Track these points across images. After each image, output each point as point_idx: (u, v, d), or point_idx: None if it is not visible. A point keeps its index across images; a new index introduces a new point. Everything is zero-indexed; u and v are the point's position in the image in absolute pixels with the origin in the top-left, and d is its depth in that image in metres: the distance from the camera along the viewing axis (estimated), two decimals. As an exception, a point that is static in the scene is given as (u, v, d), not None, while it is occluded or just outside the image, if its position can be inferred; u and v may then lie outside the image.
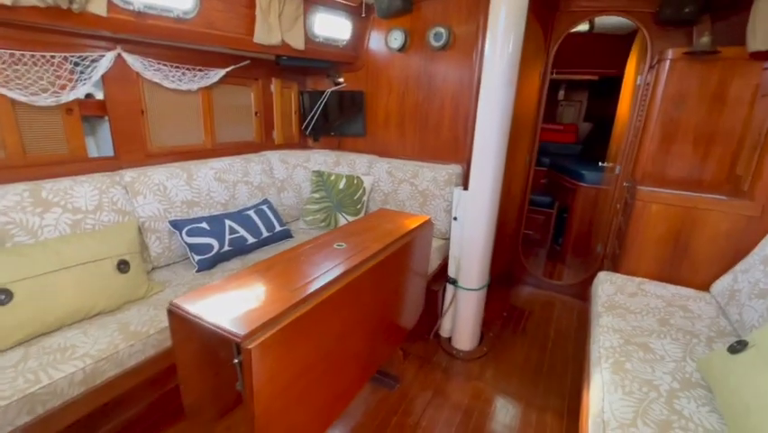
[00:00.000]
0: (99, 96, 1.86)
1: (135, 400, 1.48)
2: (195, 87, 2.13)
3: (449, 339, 2.30)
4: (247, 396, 0.93)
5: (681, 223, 1.88)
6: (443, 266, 2.30)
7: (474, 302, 2.14)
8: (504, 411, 1.81)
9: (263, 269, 1.21)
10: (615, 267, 2.15)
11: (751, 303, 1.45)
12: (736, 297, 1.56)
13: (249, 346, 0.87)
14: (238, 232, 1.99)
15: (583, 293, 2.87)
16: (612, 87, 3.48)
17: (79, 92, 1.68)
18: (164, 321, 1.44)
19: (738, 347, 1.11)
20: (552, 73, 2.74)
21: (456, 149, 2.49)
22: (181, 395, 1.13)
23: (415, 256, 1.71)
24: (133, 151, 1.94)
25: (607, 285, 1.89)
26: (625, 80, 2.94)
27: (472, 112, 2.38)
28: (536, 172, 3.43)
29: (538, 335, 2.43)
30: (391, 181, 2.52)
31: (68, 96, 1.64)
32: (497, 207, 2.03)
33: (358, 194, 2.49)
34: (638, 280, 1.93)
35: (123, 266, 1.51)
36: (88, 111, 1.79)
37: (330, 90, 2.74)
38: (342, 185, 2.50)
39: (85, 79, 1.68)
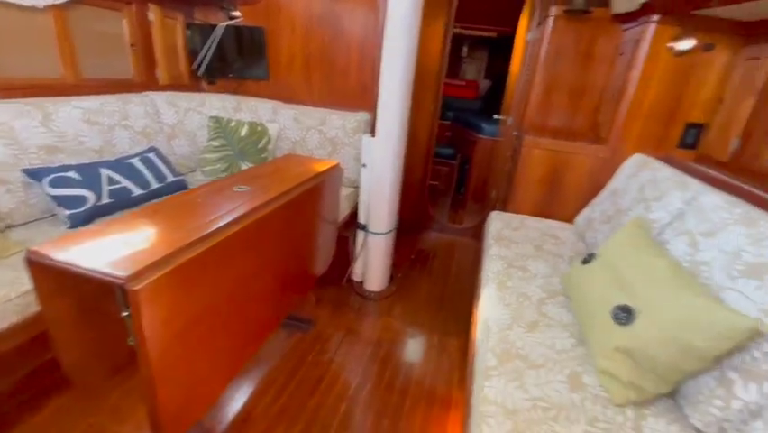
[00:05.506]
0: None
1: (4, 372, 1.27)
2: (41, 3, 1.71)
3: (361, 283, 2.40)
4: (139, 344, 0.86)
5: (555, 166, 2.18)
6: (353, 214, 2.34)
7: (383, 245, 2.24)
8: (410, 339, 1.99)
9: (150, 213, 1.09)
10: (504, 207, 2.42)
11: (600, 227, 1.77)
12: (592, 224, 1.89)
13: (135, 288, 0.80)
14: (120, 183, 1.75)
15: (480, 234, 3.20)
16: (509, 45, 3.72)
17: None
18: (28, 283, 1.23)
19: (588, 259, 1.37)
20: (455, 26, 2.82)
21: (364, 96, 2.46)
22: (57, 356, 1.01)
23: (324, 201, 1.70)
24: (-43, 81, 1.53)
25: (497, 222, 2.13)
26: (517, 37, 3.17)
27: (378, 58, 2.36)
28: (441, 126, 3.60)
29: (441, 273, 2.67)
30: (299, 129, 2.42)
31: None
32: (403, 153, 2.10)
33: (262, 142, 2.34)
34: (521, 216, 2.22)
35: (-41, 222, 1.23)
36: None
37: (223, 25, 2.44)
38: (244, 132, 2.32)
39: None
